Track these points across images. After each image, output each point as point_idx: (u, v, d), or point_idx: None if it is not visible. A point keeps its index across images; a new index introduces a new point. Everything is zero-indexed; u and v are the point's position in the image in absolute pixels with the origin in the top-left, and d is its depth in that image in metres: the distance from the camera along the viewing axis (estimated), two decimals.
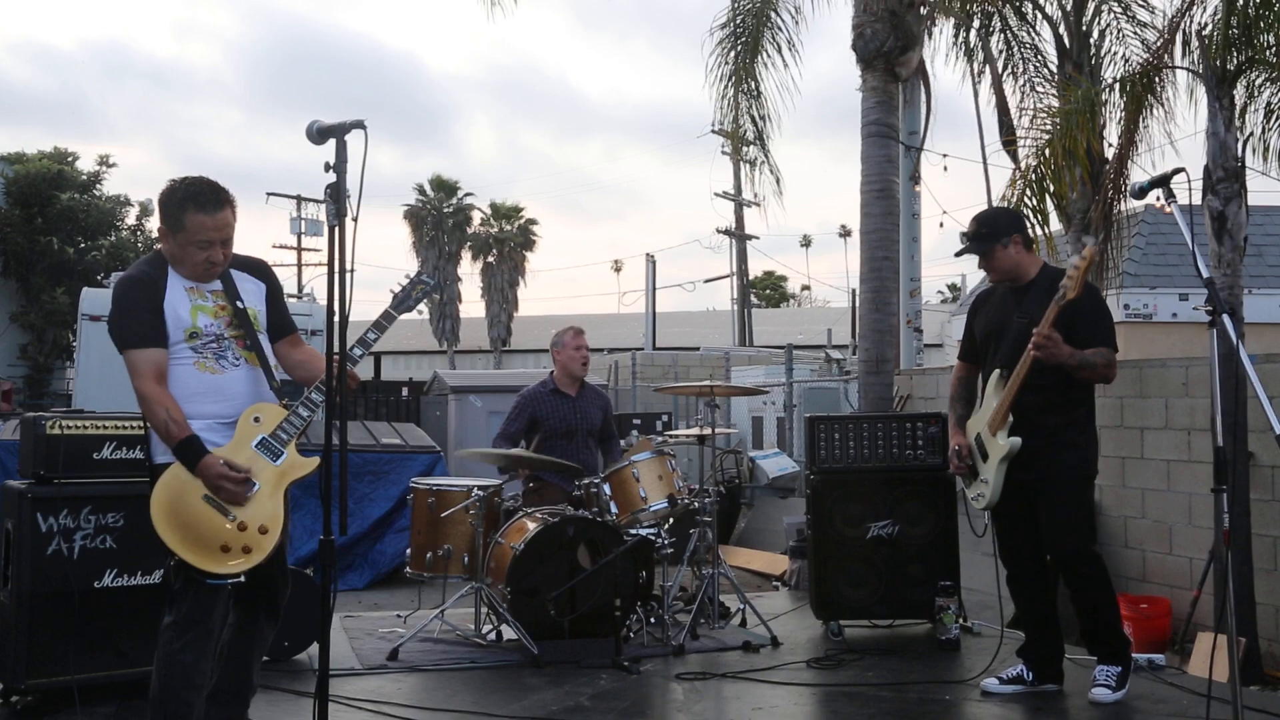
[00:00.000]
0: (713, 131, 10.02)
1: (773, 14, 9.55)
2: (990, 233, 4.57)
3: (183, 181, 3.41)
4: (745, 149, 10.32)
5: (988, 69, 8.87)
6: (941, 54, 9.25)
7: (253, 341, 3.48)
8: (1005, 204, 7.07)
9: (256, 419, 3.39)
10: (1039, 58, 8.68)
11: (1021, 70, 8.72)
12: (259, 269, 3.66)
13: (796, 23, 9.60)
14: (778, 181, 10.34)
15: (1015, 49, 8.75)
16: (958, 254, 4.82)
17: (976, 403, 4.71)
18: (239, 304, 3.48)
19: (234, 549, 3.28)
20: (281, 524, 3.39)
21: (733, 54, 9.62)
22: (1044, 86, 8.60)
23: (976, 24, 8.71)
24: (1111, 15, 7.74)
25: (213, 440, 3.32)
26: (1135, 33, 7.77)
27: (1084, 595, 4.48)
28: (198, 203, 3.34)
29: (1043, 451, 4.36)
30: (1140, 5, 7.73)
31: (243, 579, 3.32)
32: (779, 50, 9.59)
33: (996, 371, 4.49)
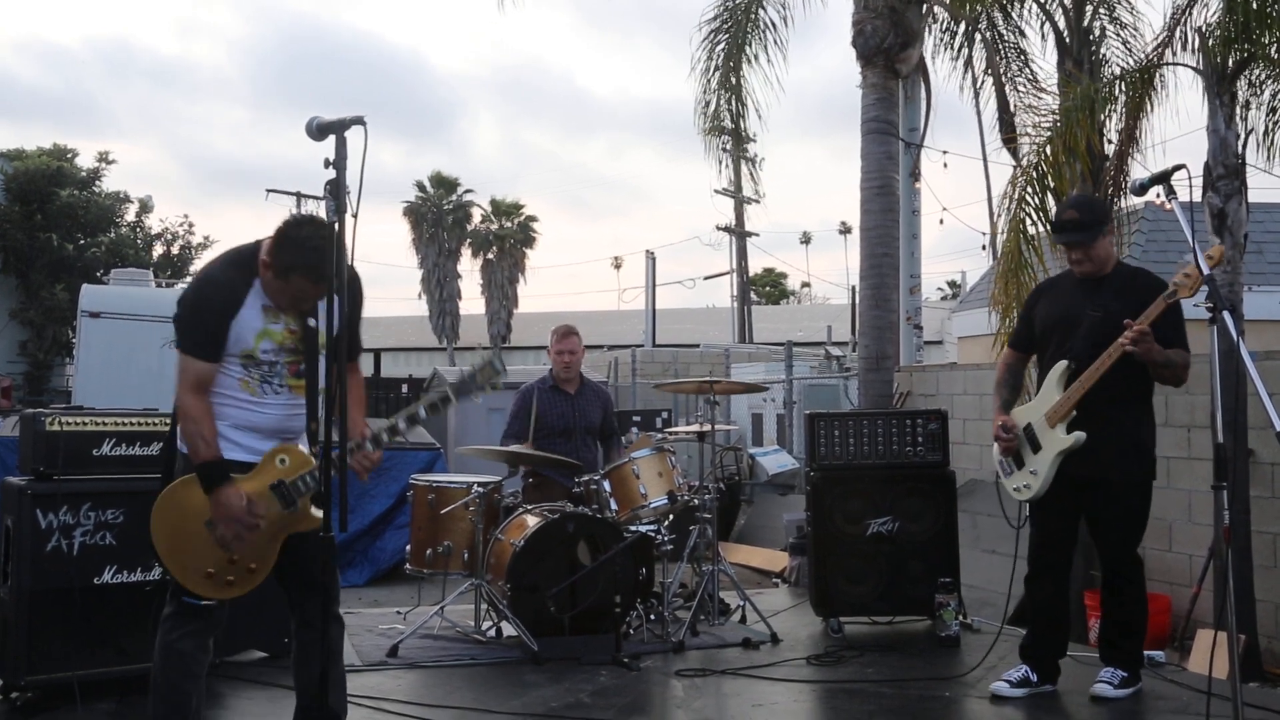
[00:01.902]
0: (706, 131, 9.98)
1: (760, 12, 9.54)
2: (1097, 219, 4.42)
3: (305, 235, 3.21)
4: (743, 146, 10.32)
5: (987, 67, 8.87)
6: (942, 51, 9.25)
7: (309, 367, 3.37)
8: (1007, 200, 7.06)
9: (282, 460, 3.32)
10: (1022, 58, 8.69)
11: (1005, 69, 8.73)
12: (349, 286, 3.46)
13: (785, 22, 9.60)
14: (755, 180, 10.36)
15: (1001, 48, 8.75)
16: (1057, 242, 4.65)
17: (1029, 392, 4.64)
18: (311, 322, 3.36)
19: (218, 577, 3.25)
20: (270, 566, 3.33)
21: (721, 47, 9.62)
22: (1025, 86, 8.61)
23: (967, 18, 8.70)
24: (1098, 17, 7.75)
25: (229, 438, 3.28)
26: (1116, 33, 7.78)
27: (1124, 601, 4.46)
28: (309, 275, 3.22)
29: (1104, 449, 4.28)
30: (1123, 7, 7.74)
31: (215, 604, 3.29)
32: (764, 48, 9.58)
33: (1063, 363, 4.37)
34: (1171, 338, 4.23)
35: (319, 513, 3.26)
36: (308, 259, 3.20)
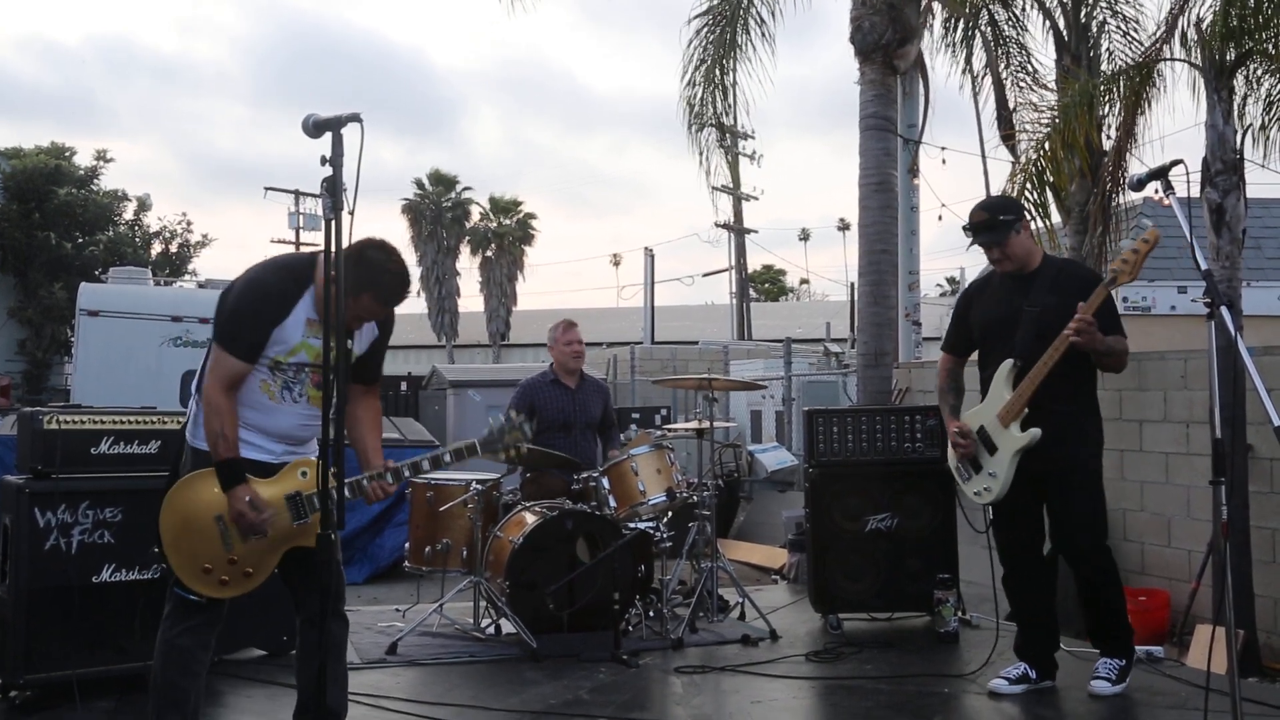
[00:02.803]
0: (701, 125, 9.94)
1: (749, 6, 9.52)
2: (1006, 220, 4.44)
3: (383, 258, 3.29)
4: (729, 141, 10.29)
5: (985, 63, 8.87)
6: (941, 47, 9.24)
7: (338, 383, 3.35)
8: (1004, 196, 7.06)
9: (304, 473, 3.34)
10: (1024, 52, 8.69)
11: (1006, 66, 8.73)
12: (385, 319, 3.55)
13: (774, 17, 9.58)
14: (734, 177, 10.36)
15: (1000, 45, 8.75)
16: (970, 245, 4.69)
17: (980, 395, 4.65)
18: (348, 344, 3.39)
19: (214, 575, 3.26)
20: (266, 574, 3.35)
21: (712, 38, 9.60)
22: (1027, 82, 8.61)
23: (967, 11, 8.70)
24: (1099, 10, 7.76)
25: (242, 438, 3.30)
26: (1119, 26, 7.79)
27: (1095, 591, 4.46)
28: (380, 296, 3.30)
29: (1059, 442, 4.29)
30: (1125, 2, 7.76)
31: (204, 600, 3.29)
32: (753, 43, 9.57)
33: (1009, 362, 4.36)
34: (1108, 325, 4.26)
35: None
36: (382, 280, 3.28)
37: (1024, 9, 8.64)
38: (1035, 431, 4.28)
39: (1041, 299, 4.35)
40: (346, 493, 3.29)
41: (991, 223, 4.46)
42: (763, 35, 9.54)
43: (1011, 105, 8.57)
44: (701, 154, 10.11)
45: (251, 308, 3.29)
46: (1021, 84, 8.57)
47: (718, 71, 9.55)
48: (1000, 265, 4.53)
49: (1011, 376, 4.36)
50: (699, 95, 9.67)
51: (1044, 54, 8.42)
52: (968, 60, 8.93)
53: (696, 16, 9.61)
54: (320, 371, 3.35)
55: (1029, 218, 6.63)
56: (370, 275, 3.26)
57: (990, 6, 8.58)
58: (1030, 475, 4.35)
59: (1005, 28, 8.73)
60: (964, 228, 4.56)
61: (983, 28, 8.75)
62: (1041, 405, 4.29)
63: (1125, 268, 4.10)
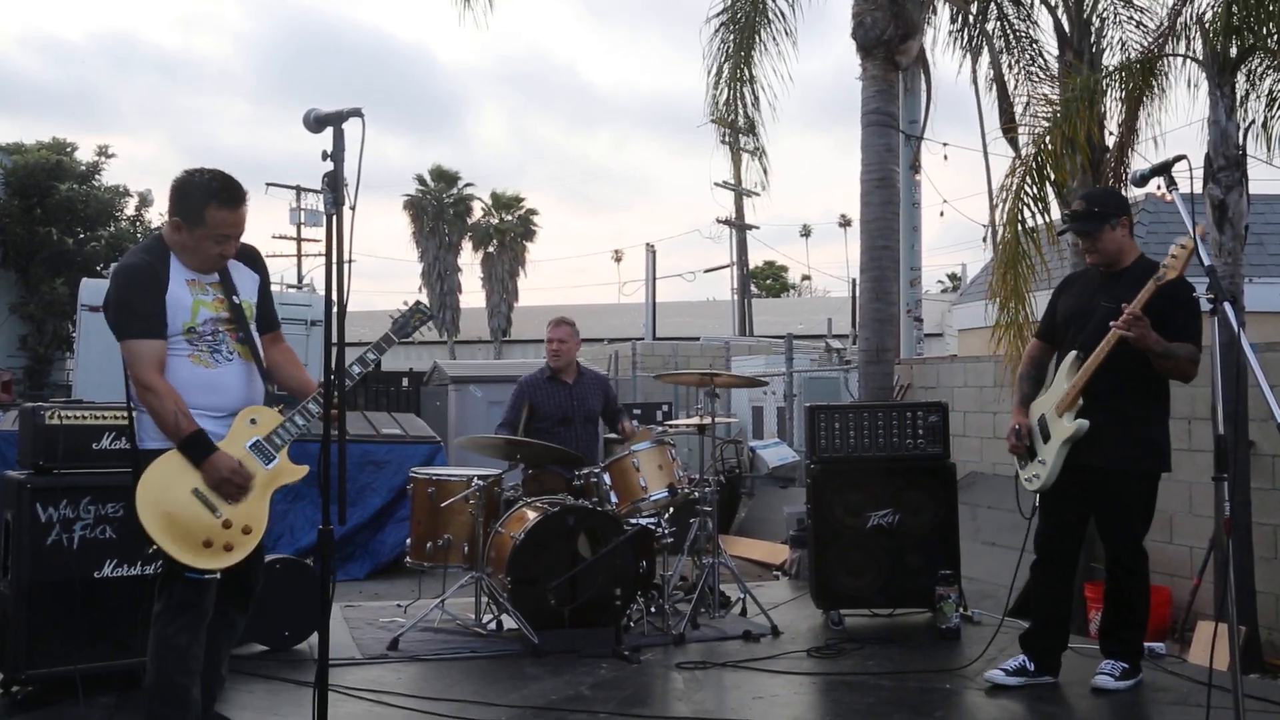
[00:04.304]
0: (711, 121, 9.96)
1: (769, 2, 9.53)
2: (1102, 212, 4.43)
3: (201, 174, 3.37)
4: (744, 139, 10.31)
5: (986, 57, 8.85)
6: (941, 42, 9.23)
7: (246, 335, 3.49)
8: (1005, 192, 7.05)
9: (253, 420, 3.41)
10: (1035, 46, 8.67)
11: (1017, 59, 8.71)
12: (252, 258, 3.64)
13: (794, 11, 9.58)
14: (765, 172, 10.38)
15: (1011, 37, 8.73)
16: (1060, 232, 4.70)
17: (1046, 383, 4.65)
18: (235, 299, 3.48)
19: (215, 545, 3.29)
20: (264, 526, 3.40)
21: (731, 39, 9.60)
22: (1039, 76, 8.58)
23: (975, 9, 8.67)
24: (1109, 1, 7.73)
25: (208, 430, 3.33)
26: (1131, 17, 7.76)
27: (1118, 584, 4.47)
28: (221, 199, 3.33)
29: (1108, 438, 4.28)
30: None
31: (219, 575, 3.33)
32: (773, 38, 9.57)
33: (1073, 353, 4.39)
34: (1180, 330, 4.20)
35: (300, 466, 3.44)
36: (211, 185, 3.34)
37: (1031, 2, 8.62)
38: (1082, 423, 4.30)
39: (1120, 296, 4.28)
40: (300, 421, 3.42)
41: (1086, 213, 4.48)
42: (785, 32, 9.55)
43: (1024, 100, 8.54)
44: (731, 150, 10.13)
45: (128, 287, 3.34)
46: (1034, 77, 8.54)
47: (743, 70, 9.56)
48: (1090, 258, 4.55)
49: (1073, 368, 4.39)
50: (724, 95, 9.68)
51: (1053, 46, 8.40)
52: (974, 56, 8.91)
53: (715, 15, 9.63)
54: (234, 327, 3.45)
55: (1031, 213, 6.64)
56: (203, 190, 3.33)
57: (998, 1, 8.57)
58: (1079, 467, 4.36)
59: (1015, 20, 8.70)
60: (1062, 215, 4.57)
61: (989, 23, 8.73)
62: (1098, 399, 4.29)
63: (1175, 263, 4.08)
